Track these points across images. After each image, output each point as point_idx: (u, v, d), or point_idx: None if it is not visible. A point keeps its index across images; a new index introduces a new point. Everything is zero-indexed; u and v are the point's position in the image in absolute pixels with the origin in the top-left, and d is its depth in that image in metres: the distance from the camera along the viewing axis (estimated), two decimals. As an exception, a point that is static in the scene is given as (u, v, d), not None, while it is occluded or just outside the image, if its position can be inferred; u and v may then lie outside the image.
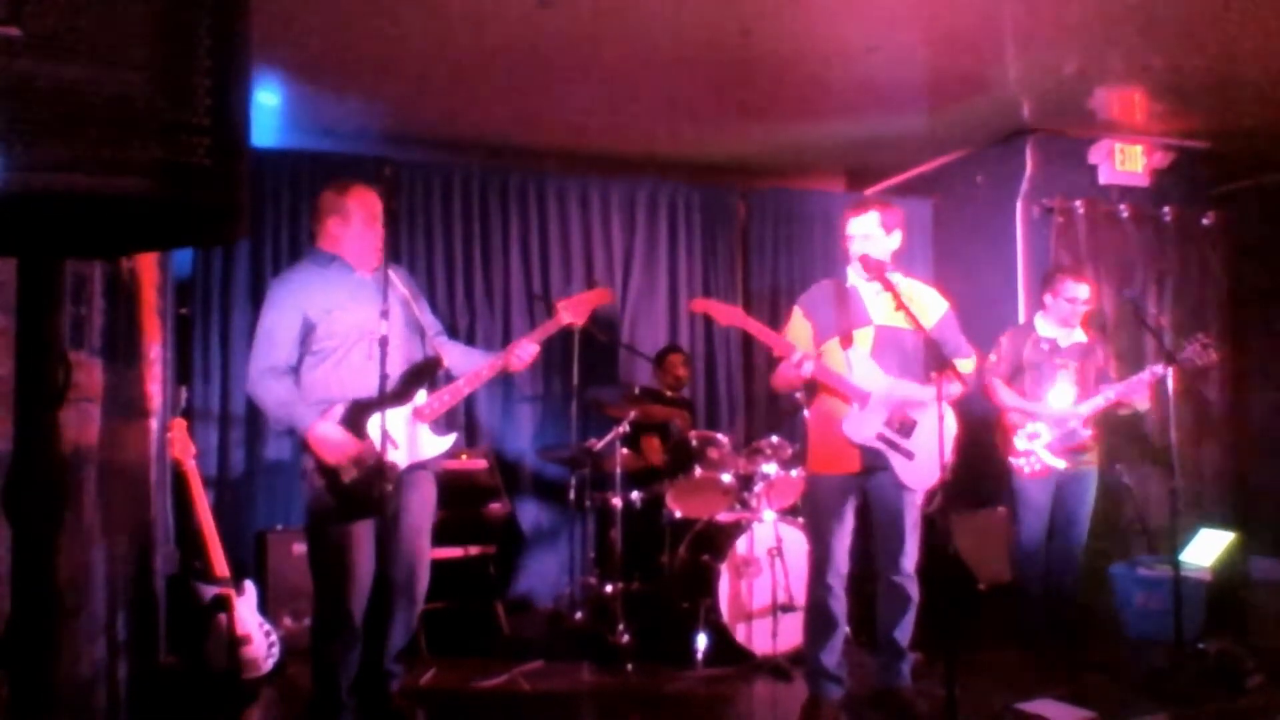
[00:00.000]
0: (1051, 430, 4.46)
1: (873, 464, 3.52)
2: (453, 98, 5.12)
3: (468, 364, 3.44)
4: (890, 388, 3.51)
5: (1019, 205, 5.71)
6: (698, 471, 4.72)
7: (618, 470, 4.63)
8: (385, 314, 2.96)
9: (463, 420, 5.51)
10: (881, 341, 3.55)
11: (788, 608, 4.22)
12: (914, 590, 3.64)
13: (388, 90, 5.03)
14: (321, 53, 4.50)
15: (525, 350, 3.39)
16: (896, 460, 3.50)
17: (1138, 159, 5.81)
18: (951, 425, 3.54)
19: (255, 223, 4.80)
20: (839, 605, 3.59)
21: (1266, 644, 4.34)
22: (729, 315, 3.64)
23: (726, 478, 4.67)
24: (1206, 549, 4.99)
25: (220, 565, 3.99)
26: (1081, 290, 4.53)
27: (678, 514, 4.69)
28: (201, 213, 1.15)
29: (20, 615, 1.23)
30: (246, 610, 3.85)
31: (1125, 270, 5.70)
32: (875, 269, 3.50)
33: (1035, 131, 5.68)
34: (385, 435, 2.97)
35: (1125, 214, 5.75)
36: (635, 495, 4.82)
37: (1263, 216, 6.14)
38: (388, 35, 4.29)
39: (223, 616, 3.67)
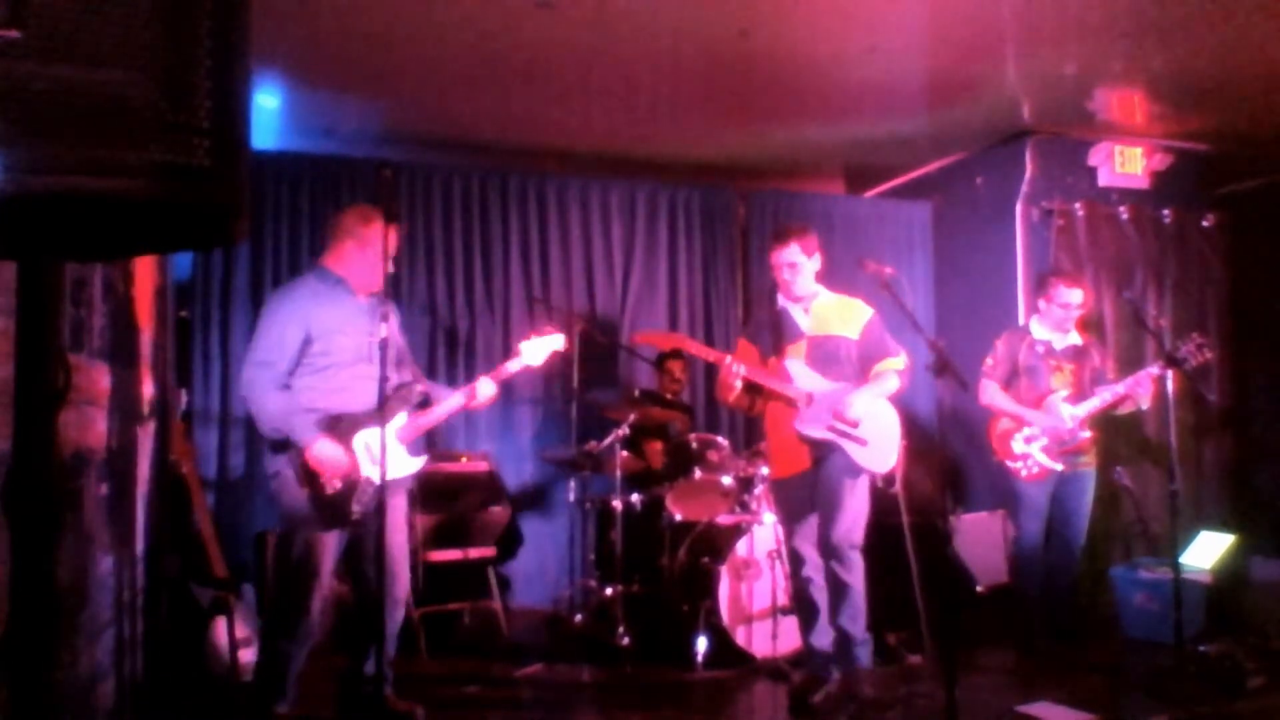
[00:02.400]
0: (1048, 433, 4.46)
1: (822, 455, 3.73)
2: (452, 99, 5.13)
3: (440, 395, 3.60)
4: (827, 388, 3.74)
5: (1019, 207, 5.71)
6: (698, 474, 4.72)
7: (618, 473, 4.63)
8: (385, 317, 3.02)
9: (463, 422, 5.51)
10: (813, 350, 3.82)
11: (788, 610, 4.21)
12: (847, 574, 3.70)
13: (388, 92, 5.04)
14: (321, 54, 4.50)
15: (486, 388, 3.54)
16: (850, 447, 3.69)
17: (1137, 161, 5.81)
18: (892, 414, 3.84)
19: (255, 225, 4.80)
20: (819, 593, 3.79)
21: (1266, 645, 4.33)
22: (668, 340, 4.04)
23: (726, 480, 4.66)
24: (1207, 551, 4.99)
25: (219, 568, 3.98)
26: (1075, 295, 4.54)
27: (678, 516, 4.68)
28: (202, 215, 1.15)
29: (20, 617, 1.23)
30: (245, 612, 3.84)
31: (1125, 272, 5.70)
32: (875, 270, 3.58)
33: (1035, 133, 5.68)
34: (384, 437, 3.01)
35: (1125, 216, 5.75)
36: (635, 498, 4.81)
37: (1263, 218, 6.14)
38: (387, 37, 4.29)
39: (221, 619, 3.67)
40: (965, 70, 4.77)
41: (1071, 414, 4.42)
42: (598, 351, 5.44)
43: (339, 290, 3.39)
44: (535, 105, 5.21)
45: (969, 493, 5.83)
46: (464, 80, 4.84)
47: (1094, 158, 5.77)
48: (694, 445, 4.84)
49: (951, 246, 6.33)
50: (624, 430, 4.65)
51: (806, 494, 3.79)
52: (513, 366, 3.64)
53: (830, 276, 4.11)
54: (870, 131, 5.70)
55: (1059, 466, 4.46)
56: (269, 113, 5.16)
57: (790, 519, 3.88)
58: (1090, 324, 4.96)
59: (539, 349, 3.69)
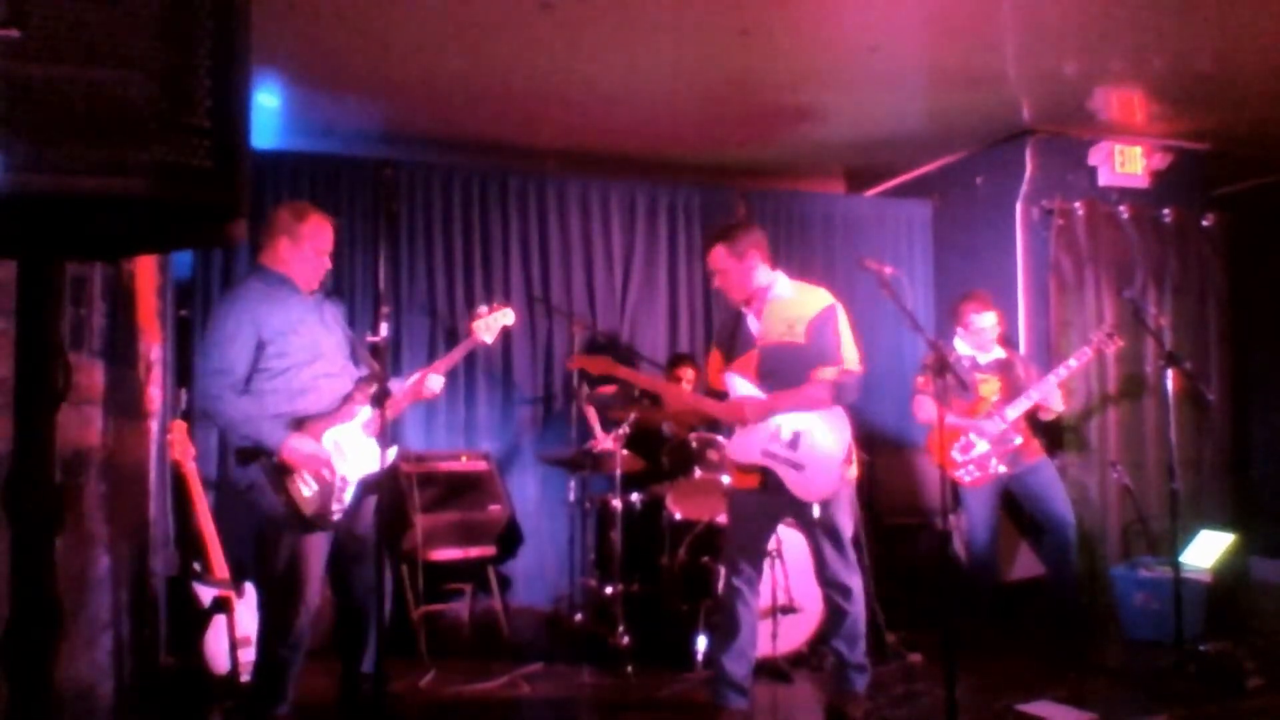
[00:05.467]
0: (983, 439, 4.59)
1: (769, 482, 3.52)
2: (453, 99, 5.12)
3: (396, 387, 3.58)
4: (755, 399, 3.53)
5: (1019, 206, 5.71)
6: (698, 474, 4.72)
7: (618, 472, 4.63)
8: (386, 317, 3.02)
9: (464, 421, 5.51)
10: (765, 361, 3.57)
11: (787, 609, 4.21)
12: (846, 603, 3.55)
13: (388, 91, 5.03)
14: (321, 53, 4.50)
15: (434, 382, 3.56)
16: (787, 474, 3.47)
17: (1137, 160, 5.81)
18: (842, 429, 3.54)
19: (255, 225, 4.79)
20: (746, 610, 3.58)
21: (1266, 645, 4.34)
22: (600, 366, 3.80)
23: (726, 480, 4.66)
24: (1206, 550, 4.99)
25: (220, 567, 3.99)
26: (987, 319, 4.76)
27: (678, 516, 4.68)
28: (202, 214, 1.15)
29: (19, 617, 1.23)
30: (246, 612, 3.85)
31: (1125, 271, 5.70)
32: (875, 269, 3.50)
33: (1035, 132, 5.67)
34: (384, 434, 3.02)
35: (1125, 215, 5.75)
36: (635, 497, 4.81)
37: (1263, 217, 6.15)
38: (387, 37, 4.29)
39: (222, 618, 3.67)
40: (965, 69, 4.76)
41: (1002, 415, 4.59)
42: (598, 351, 5.43)
43: (284, 290, 3.33)
44: (535, 105, 5.21)
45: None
46: (464, 80, 4.83)
47: (1094, 157, 5.77)
48: (694, 445, 4.84)
49: (951, 246, 6.33)
50: (624, 430, 4.65)
51: (760, 511, 3.62)
52: (464, 349, 3.70)
53: (830, 276, 4.10)
54: (870, 131, 5.70)
55: (1002, 468, 4.60)
56: (269, 113, 5.16)
57: (734, 529, 3.68)
58: (1006, 341, 5.01)
59: (491, 325, 3.70)
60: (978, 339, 4.77)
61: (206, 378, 3.22)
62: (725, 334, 3.79)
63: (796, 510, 3.59)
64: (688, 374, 5.44)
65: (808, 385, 3.50)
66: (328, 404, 3.32)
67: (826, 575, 3.57)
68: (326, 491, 3.25)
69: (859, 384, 3.58)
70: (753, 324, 3.63)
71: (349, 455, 3.32)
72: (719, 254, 3.60)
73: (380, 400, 3.13)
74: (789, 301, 3.61)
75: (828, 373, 3.51)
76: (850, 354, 3.56)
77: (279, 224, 3.37)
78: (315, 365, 3.31)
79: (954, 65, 4.71)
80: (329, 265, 3.47)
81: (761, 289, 3.62)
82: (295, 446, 3.17)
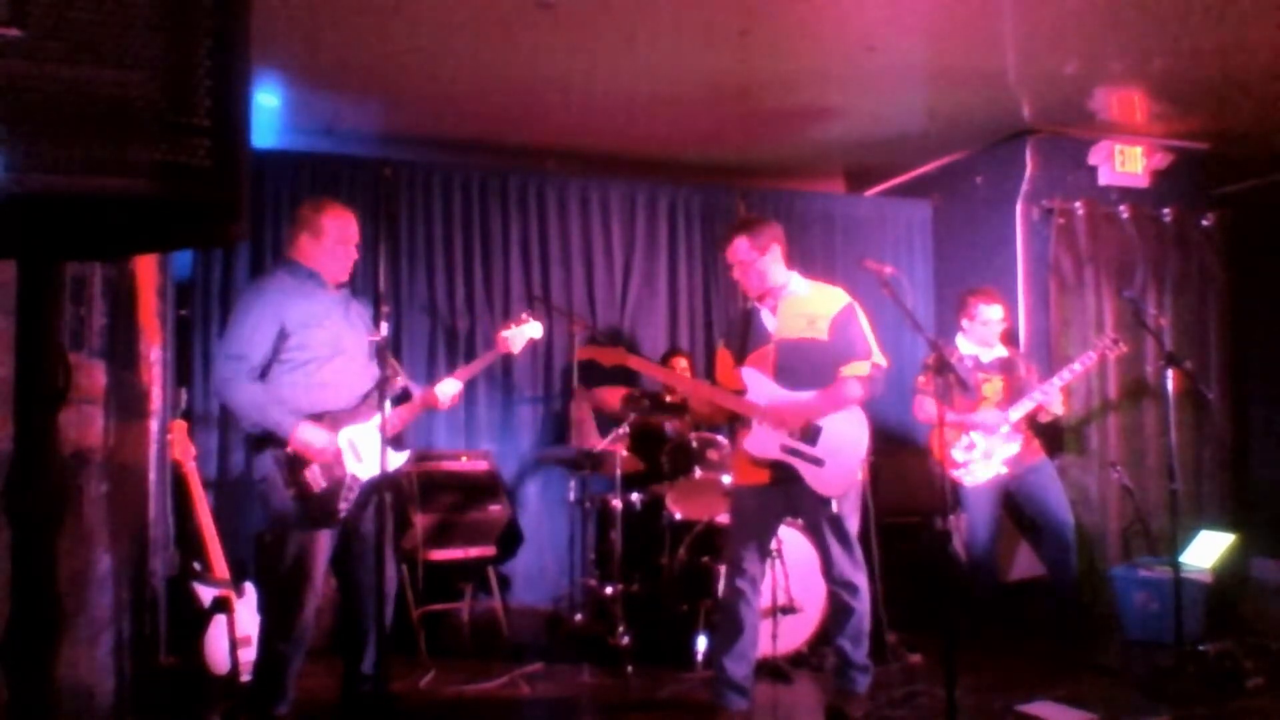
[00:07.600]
0: (985, 439, 4.60)
1: (781, 476, 3.49)
2: (452, 99, 5.12)
3: (416, 390, 3.59)
4: (785, 399, 3.48)
5: (1019, 206, 5.71)
6: (698, 473, 4.72)
7: (618, 472, 4.63)
8: (387, 317, 3.02)
9: (464, 421, 5.51)
10: (783, 356, 3.54)
11: (787, 609, 4.21)
12: (853, 600, 3.54)
13: (388, 91, 5.03)
14: (321, 53, 4.50)
15: (449, 387, 3.55)
16: (806, 470, 3.45)
17: (1137, 160, 5.81)
18: (861, 424, 3.53)
19: (255, 224, 4.80)
20: (749, 611, 3.55)
21: (1266, 645, 4.34)
22: (612, 356, 3.73)
23: (727, 480, 4.66)
24: (1207, 550, 4.99)
25: (220, 567, 3.99)
26: (994, 311, 4.76)
27: (678, 516, 4.68)
28: (202, 214, 1.15)
29: (20, 617, 1.23)
30: (246, 612, 3.85)
31: (1125, 271, 5.70)
32: (875, 269, 3.49)
33: (1035, 132, 5.67)
34: (385, 429, 3.03)
35: (1125, 215, 5.75)
36: (635, 497, 4.81)
37: (1263, 217, 6.14)
38: (388, 36, 4.29)
39: (222, 618, 3.67)
40: (965, 69, 4.76)
41: (1004, 417, 4.60)
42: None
43: (311, 283, 3.36)
44: (535, 105, 5.21)
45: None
46: (464, 80, 4.83)
47: (1094, 156, 5.77)
48: (694, 445, 4.84)
49: (951, 245, 6.33)
50: (624, 430, 4.65)
51: (766, 508, 3.59)
52: (489, 358, 3.73)
53: (830, 276, 4.08)
54: (870, 131, 5.70)
55: (1003, 470, 4.61)
56: (269, 112, 5.16)
57: (738, 527, 3.64)
58: (1008, 339, 5.00)
59: (518, 337, 3.71)
60: (982, 334, 4.75)
61: (222, 360, 3.25)
62: (735, 331, 3.76)
63: (803, 508, 3.58)
64: (680, 364, 5.45)
65: (840, 383, 3.48)
66: (346, 401, 3.32)
67: (834, 573, 3.56)
68: (336, 489, 3.25)
69: (885, 377, 3.60)
70: (768, 319, 3.60)
71: (363, 455, 3.32)
72: (741, 245, 3.58)
73: (400, 400, 3.12)
74: (806, 298, 3.60)
75: (860, 368, 3.50)
76: (876, 348, 3.58)
77: (300, 219, 3.41)
78: (336, 361, 3.31)
79: (954, 65, 4.71)
80: (355, 256, 3.48)
81: (778, 285, 3.60)
82: (305, 436, 3.18)
